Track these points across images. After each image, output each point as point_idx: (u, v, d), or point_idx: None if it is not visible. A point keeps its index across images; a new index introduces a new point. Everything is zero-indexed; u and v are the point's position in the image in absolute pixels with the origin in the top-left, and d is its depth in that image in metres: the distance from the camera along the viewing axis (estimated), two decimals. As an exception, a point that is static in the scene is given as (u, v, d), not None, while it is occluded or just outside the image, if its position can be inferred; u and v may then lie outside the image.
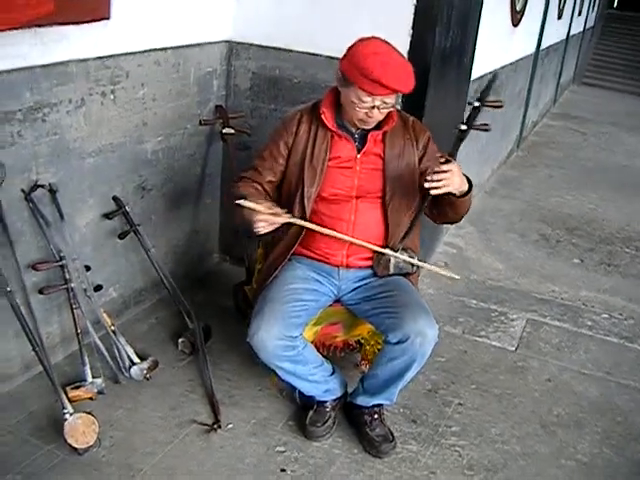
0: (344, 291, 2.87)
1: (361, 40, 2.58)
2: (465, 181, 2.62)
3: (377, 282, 2.83)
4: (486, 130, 2.64)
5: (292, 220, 2.65)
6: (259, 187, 2.82)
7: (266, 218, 2.54)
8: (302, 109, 2.86)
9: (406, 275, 2.87)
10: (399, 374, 2.71)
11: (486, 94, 2.45)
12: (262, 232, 2.57)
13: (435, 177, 2.50)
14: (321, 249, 2.82)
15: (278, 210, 2.58)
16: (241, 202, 2.52)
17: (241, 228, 2.68)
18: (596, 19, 14.94)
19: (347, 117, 2.72)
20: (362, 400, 2.90)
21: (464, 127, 2.47)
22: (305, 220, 2.73)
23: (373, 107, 2.58)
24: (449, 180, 2.50)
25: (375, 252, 2.79)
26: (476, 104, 2.45)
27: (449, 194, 2.58)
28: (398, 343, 2.62)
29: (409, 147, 2.80)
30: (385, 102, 2.57)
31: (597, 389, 3.47)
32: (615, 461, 2.98)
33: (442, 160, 2.52)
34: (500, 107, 2.64)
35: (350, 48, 2.59)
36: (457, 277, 2.91)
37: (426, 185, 2.53)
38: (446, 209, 2.76)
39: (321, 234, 2.74)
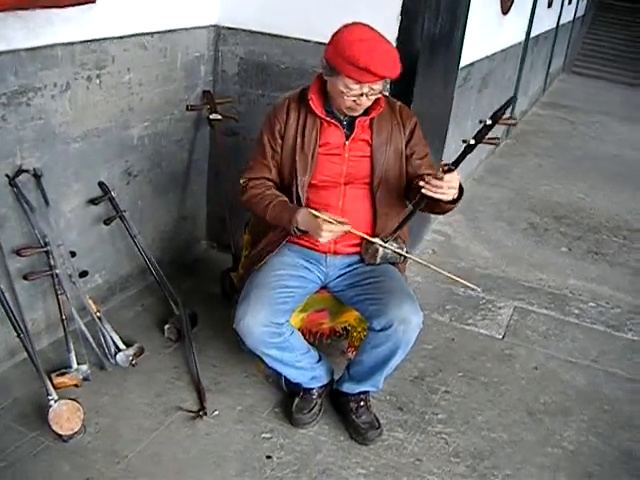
0: (331, 277, 2.86)
1: (345, 26, 2.55)
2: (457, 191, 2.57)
3: (363, 269, 2.82)
4: (496, 144, 2.59)
5: (353, 230, 2.63)
6: (273, 185, 2.82)
7: (332, 228, 2.53)
8: (290, 96, 2.84)
9: (393, 263, 2.86)
10: (384, 361, 2.71)
11: (501, 114, 2.39)
12: (325, 241, 2.60)
13: (434, 182, 2.46)
14: (310, 236, 2.81)
15: (341, 219, 2.57)
16: (313, 212, 2.55)
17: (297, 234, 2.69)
18: (586, 8, 14.95)
19: (335, 105, 2.70)
20: (348, 387, 2.89)
21: (473, 142, 2.42)
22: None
23: (361, 94, 2.56)
24: (446, 191, 2.47)
25: (365, 240, 2.76)
26: (489, 122, 2.39)
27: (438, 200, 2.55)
28: (382, 330, 2.61)
29: (396, 133, 2.79)
30: (372, 89, 2.55)
31: (584, 377, 3.48)
32: (601, 449, 2.99)
33: (445, 169, 2.47)
34: (514, 124, 2.59)
35: (334, 35, 2.56)
36: (477, 287, 2.81)
37: (420, 183, 2.50)
38: (429, 206, 2.69)
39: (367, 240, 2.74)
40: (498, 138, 2.58)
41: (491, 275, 4.48)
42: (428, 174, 2.54)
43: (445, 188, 2.46)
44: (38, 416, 2.73)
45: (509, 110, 7.63)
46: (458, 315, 3.91)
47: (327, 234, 2.53)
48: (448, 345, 3.61)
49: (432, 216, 4.87)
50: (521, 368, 3.49)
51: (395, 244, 2.77)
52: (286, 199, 2.74)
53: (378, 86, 2.57)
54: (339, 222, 2.54)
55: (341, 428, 2.91)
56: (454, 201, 2.60)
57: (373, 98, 2.63)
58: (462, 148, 2.40)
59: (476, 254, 4.78)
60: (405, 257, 2.82)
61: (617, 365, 3.62)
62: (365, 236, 2.73)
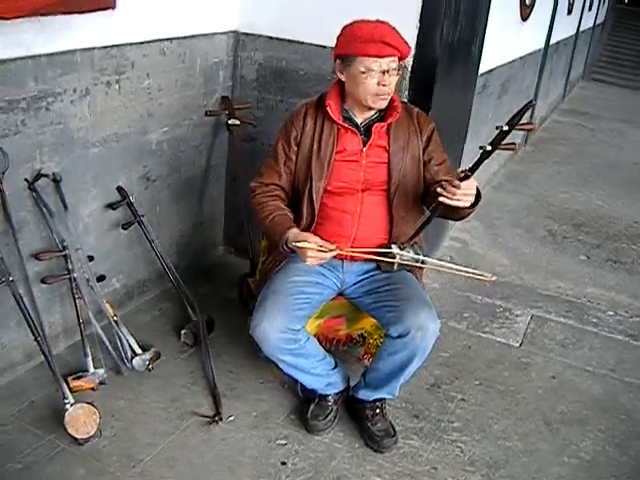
0: (347, 284, 2.86)
1: (344, 26, 2.63)
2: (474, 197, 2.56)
3: (380, 276, 2.82)
4: (513, 150, 2.59)
5: (342, 251, 2.62)
6: (282, 194, 2.83)
7: (316, 254, 2.52)
8: (307, 103, 2.85)
9: (410, 270, 2.85)
10: (400, 368, 2.70)
11: (518, 120, 2.39)
12: (312, 264, 2.58)
13: (450, 189, 2.45)
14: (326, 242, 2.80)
15: (329, 246, 2.54)
16: (296, 244, 2.53)
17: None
18: (606, 15, 14.87)
19: (358, 101, 2.69)
20: (364, 394, 2.88)
21: (489, 148, 2.42)
22: (309, 220, 2.76)
23: (383, 72, 2.57)
24: (463, 197, 2.46)
25: (380, 254, 2.75)
26: (505, 128, 2.39)
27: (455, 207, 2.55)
28: (399, 337, 2.60)
29: (413, 139, 2.79)
30: (392, 67, 2.57)
31: (601, 387, 3.45)
32: (618, 459, 2.96)
33: (462, 175, 2.46)
34: (531, 130, 2.58)
35: (339, 35, 2.63)
36: (491, 278, 2.76)
37: (438, 190, 2.49)
38: (446, 212, 2.69)
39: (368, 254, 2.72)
40: (514, 144, 2.55)
41: (509, 283, 4.46)
42: (445, 180, 2.53)
43: (461, 195, 2.45)
44: (54, 419, 2.74)
45: (528, 115, 7.61)
46: (475, 323, 3.89)
47: (311, 261, 2.53)
48: (465, 353, 3.59)
49: (450, 223, 4.85)
50: (538, 377, 3.47)
51: (412, 250, 2.76)
52: (286, 214, 2.74)
53: (396, 64, 2.59)
54: (329, 249, 2.52)
55: (356, 435, 2.90)
56: (471, 206, 2.58)
57: (395, 81, 2.63)
58: (479, 154, 2.39)
59: (494, 261, 4.76)
60: (423, 262, 2.80)
61: (635, 374, 3.59)
62: (380, 258, 2.71)
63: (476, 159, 2.43)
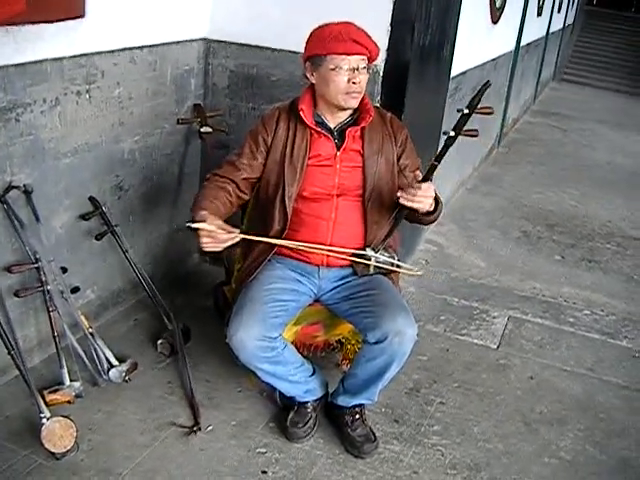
0: (324, 290, 2.85)
1: (313, 29, 2.68)
2: (433, 204, 2.62)
3: (357, 281, 2.81)
4: (474, 136, 2.62)
5: (245, 236, 2.60)
6: (230, 187, 2.76)
7: (210, 234, 2.43)
8: (280, 107, 2.85)
9: (386, 274, 2.85)
10: (379, 374, 2.69)
11: (477, 101, 2.42)
12: (207, 250, 2.48)
13: (409, 191, 2.52)
14: (301, 249, 2.80)
15: (229, 228, 2.48)
16: (189, 224, 2.45)
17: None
18: (575, 16, 15.01)
19: (329, 102, 2.70)
20: (343, 400, 2.87)
21: (452, 133, 2.44)
22: (281, 226, 2.75)
23: (353, 70, 2.59)
24: (421, 200, 2.52)
25: (355, 255, 2.76)
26: (465, 111, 2.42)
27: (415, 210, 2.60)
28: (377, 343, 2.59)
29: (387, 143, 2.80)
30: (361, 66, 2.61)
31: (579, 386, 3.47)
32: (598, 458, 2.98)
33: (420, 178, 2.54)
34: (490, 114, 2.63)
35: (308, 38, 2.68)
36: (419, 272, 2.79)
37: (398, 194, 2.55)
38: (411, 217, 2.78)
39: (282, 246, 2.73)
40: (477, 130, 2.60)
41: (485, 284, 4.47)
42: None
43: (421, 196, 2.50)
44: (30, 434, 2.70)
45: (500, 113, 7.65)
46: (452, 325, 3.90)
47: (205, 242, 2.44)
48: (443, 356, 3.59)
49: (425, 226, 4.86)
50: (516, 378, 3.48)
51: (386, 253, 2.77)
52: (212, 200, 2.67)
53: (365, 64, 2.63)
54: (227, 231, 2.46)
55: (336, 442, 2.89)
56: (432, 212, 2.64)
57: (365, 79, 2.65)
58: (443, 141, 2.42)
59: (469, 264, 4.77)
60: (398, 266, 2.81)
61: (612, 373, 3.61)
62: (355, 252, 2.72)
63: (441, 147, 2.45)
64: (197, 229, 2.43)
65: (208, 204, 2.63)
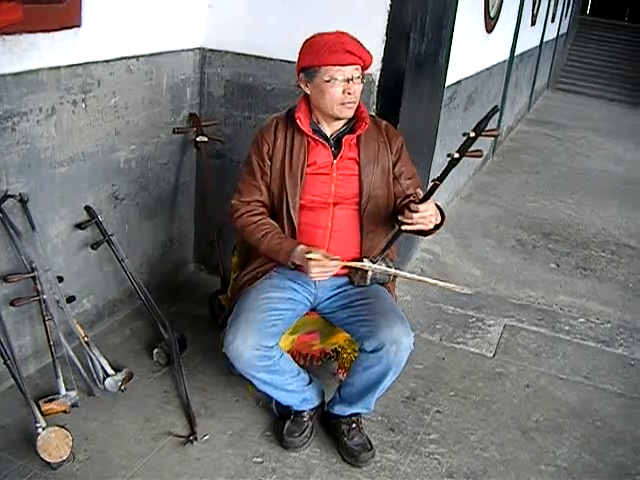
0: (320, 299, 2.85)
1: (306, 40, 2.68)
2: (439, 216, 2.62)
3: (353, 290, 2.81)
4: (479, 157, 2.62)
5: (345, 263, 2.66)
6: (265, 210, 2.83)
7: (321, 264, 2.54)
8: (277, 117, 2.86)
9: (383, 283, 2.85)
10: (375, 382, 2.69)
11: (484, 125, 2.40)
12: (317, 279, 2.61)
13: (408, 215, 2.50)
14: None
15: (332, 256, 2.57)
16: (310, 256, 2.54)
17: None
18: (569, 25, 15.08)
19: (324, 113, 2.71)
20: (339, 409, 2.87)
21: (457, 155, 2.44)
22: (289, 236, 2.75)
23: (348, 80, 2.60)
24: (423, 220, 2.51)
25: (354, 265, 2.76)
26: (472, 134, 2.41)
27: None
28: (373, 351, 2.60)
29: (383, 151, 2.81)
30: (355, 76, 2.62)
31: (576, 394, 3.47)
32: (595, 465, 2.98)
33: (419, 199, 2.52)
34: (496, 136, 2.62)
35: (301, 49, 2.68)
36: (469, 292, 2.81)
37: (400, 218, 2.55)
38: (415, 232, 2.74)
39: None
40: (480, 151, 2.59)
41: (480, 293, 4.48)
42: (408, 205, 2.55)
43: (419, 218, 2.49)
44: (26, 444, 2.69)
45: (495, 122, 7.67)
46: (448, 334, 3.90)
47: (316, 274, 2.55)
48: (439, 364, 3.59)
49: (426, 237, 4.86)
50: (512, 386, 3.48)
51: (384, 264, 2.77)
52: (280, 231, 2.75)
53: (359, 73, 2.64)
54: (331, 259, 2.55)
55: (333, 450, 2.88)
56: (437, 227, 2.64)
57: (359, 89, 2.66)
58: (447, 162, 2.42)
59: (465, 272, 4.78)
60: (396, 276, 2.81)
61: (608, 381, 3.62)
62: (355, 264, 2.72)
63: (444, 167, 2.45)
64: (303, 260, 2.57)
65: (287, 238, 2.73)
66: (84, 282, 3.35)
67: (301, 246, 2.63)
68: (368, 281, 2.78)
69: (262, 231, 2.74)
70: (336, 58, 2.56)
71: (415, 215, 2.48)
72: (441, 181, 2.46)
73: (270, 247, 2.72)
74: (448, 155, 2.43)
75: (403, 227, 2.54)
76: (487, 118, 2.36)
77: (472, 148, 2.40)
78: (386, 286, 2.87)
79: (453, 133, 5.20)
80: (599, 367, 3.75)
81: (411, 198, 2.71)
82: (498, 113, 7.68)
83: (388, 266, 2.77)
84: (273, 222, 2.79)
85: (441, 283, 2.66)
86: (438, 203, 2.62)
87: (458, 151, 2.42)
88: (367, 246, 2.79)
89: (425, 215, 2.50)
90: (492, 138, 7.64)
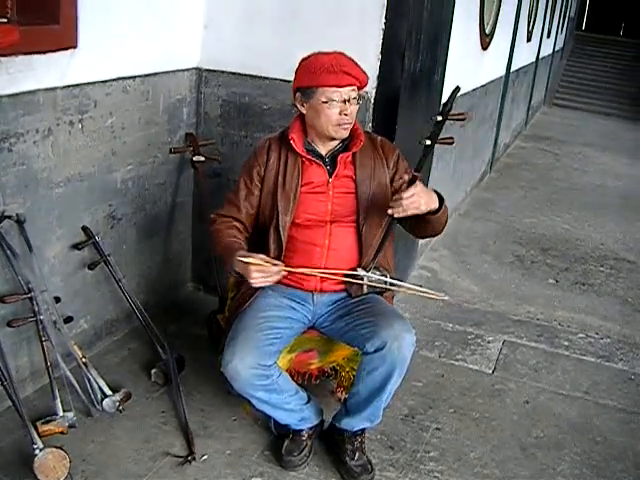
0: (318, 315, 2.84)
1: (303, 59, 2.69)
2: (434, 198, 2.60)
3: (350, 301, 2.81)
4: (450, 144, 2.64)
5: (289, 269, 2.62)
6: (239, 225, 2.82)
7: (262, 269, 2.50)
8: (271, 137, 2.88)
9: (381, 293, 2.85)
10: (381, 386, 2.64)
11: (449, 107, 2.45)
12: (258, 285, 2.55)
13: (395, 203, 2.52)
14: (295, 275, 2.80)
15: (274, 261, 2.54)
16: (240, 258, 2.51)
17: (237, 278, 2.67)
18: (565, 41, 15.15)
19: (320, 133, 2.73)
20: (347, 424, 2.83)
21: (428, 142, 2.46)
22: (276, 254, 2.76)
23: (344, 102, 2.61)
24: (413, 203, 2.51)
25: (349, 276, 2.76)
26: (439, 118, 2.44)
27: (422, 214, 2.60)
28: (376, 351, 2.57)
29: (379, 166, 2.81)
30: (352, 97, 2.63)
31: (576, 409, 3.46)
32: (595, 482, 2.97)
33: (405, 180, 2.55)
34: (463, 120, 2.66)
35: (297, 68, 2.69)
36: (444, 297, 2.80)
37: (389, 212, 2.55)
38: (421, 225, 2.75)
39: (323, 275, 2.73)
40: (452, 138, 2.63)
41: (479, 309, 4.47)
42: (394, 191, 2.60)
43: (408, 203, 2.49)
44: (23, 465, 2.68)
45: (492, 138, 7.69)
46: (447, 351, 3.89)
47: (256, 279, 2.51)
48: (438, 382, 3.58)
49: (417, 251, 4.86)
50: (512, 402, 3.47)
51: (378, 272, 2.77)
52: (237, 240, 2.73)
53: (356, 94, 2.65)
54: (273, 264, 2.52)
55: (332, 469, 2.87)
56: (436, 211, 2.62)
57: (355, 110, 2.68)
58: (421, 151, 2.44)
59: (463, 289, 4.77)
60: (391, 283, 2.80)
61: (608, 396, 3.60)
62: (346, 272, 2.72)
63: (420, 157, 2.47)
64: (243, 267, 2.50)
65: (236, 244, 2.69)
66: (81, 302, 3.35)
67: (240, 251, 2.59)
68: (365, 289, 2.78)
69: (220, 236, 2.76)
70: (334, 79, 2.57)
71: (404, 201, 2.49)
72: (419, 171, 2.48)
73: (221, 252, 2.73)
74: (420, 142, 2.46)
75: (395, 214, 2.54)
76: (451, 100, 2.41)
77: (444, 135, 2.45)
78: (384, 296, 2.86)
79: (450, 150, 5.21)
80: (599, 382, 3.74)
81: (395, 184, 2.77)
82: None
83: (383, 274, 2.77)
84: (237, 233, 2.79)
85: (418, 289, 2.69)
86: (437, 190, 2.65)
87: (429, 137, 2.45)
88: (366, 262, 2.79)
89: (414, 199, 2.50)
90: (489, 154, 7.66)
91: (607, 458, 3.12)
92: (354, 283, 2.76)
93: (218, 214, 2.87)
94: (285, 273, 2.58)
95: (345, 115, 2.63)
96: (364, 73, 2.66)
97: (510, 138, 9.58)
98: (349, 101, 2.62)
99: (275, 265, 2.52)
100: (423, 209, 2.55)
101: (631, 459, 3.13)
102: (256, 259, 2.50)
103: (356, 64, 2.64)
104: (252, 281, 2.51)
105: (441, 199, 2.64)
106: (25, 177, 2.86)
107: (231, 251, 2.62)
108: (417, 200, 2.51)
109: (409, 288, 2.81)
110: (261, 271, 2.49)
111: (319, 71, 2.58)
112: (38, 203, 2.96)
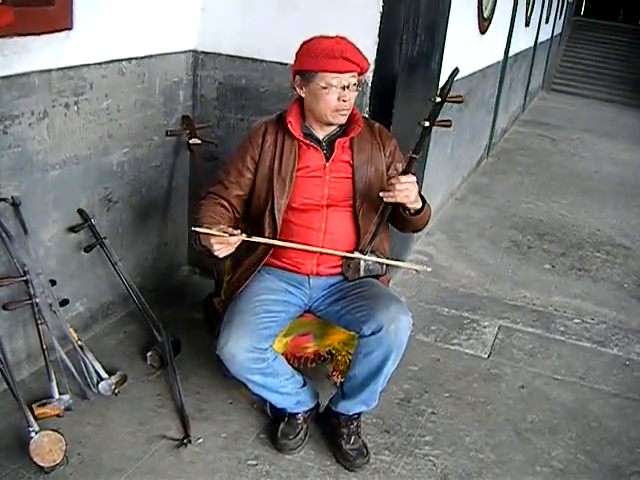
0: (314, 299, 2.85)
1: (304, 42, 2.66)
2: (419, 200, 2.63)
3: (346, 284, 2.81)
4: (448, 126, 2.64)
5: (248, 239, 2.58)
6: (225, 203, 2.80)
7: (221, 240, 2.47)
8: (267, 121, 2.86)
9: (377, 277, 2.85)
10: (377, 369, 2.64)
11: (447, 89, 2.45)
12: (222, 255, 2.50)
13: (389, 187, 2.55)
14: (291, 259, 2.80)
15: (232, 231, 2.49)
16: (194, 229, 2.50)
17: (203, 252, 2.63)
18: (563, 26, 15.11)
19: (317, 117, 2.72)
20: (343, 407, 2.84)
21: (427, 124, 2.47)
22: (271, 236, 2.74)
23: (344, 88, 2.60)
24: (405, 191, 2.53)
25: (344, 257, 2.77)
26: (437, 100, 2.45)
27: (403, 209, 2.64)
28: (372, 334, 2.57)
29: (377, 152, 2.81)
30: (352, 83, 2.62)
31: (571, 394, 3.47)
32: (590, 466, 2.97)
33: (400, 170, 2.58)
34: (461, 102, 2.67)
35: (298, 50, 2.67)
36: (427, 268, 2.82)
37: (380, 194, 2.57)
38: (403, 223, 2.80)
39: (281, 247, 2.72)
40: (450, 120, 2.64)
41: (475, 294, 4.48)
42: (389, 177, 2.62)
43: (400, 189, 2.52)
44: (19, 448, 2.67)
45: (489, 129, 7.68)
46: (443, 335, 3.89)
47: (218, 249, 2.47)
48: (433, 366, 3.58)
49: (414, 236, 4.86)
50: (507, 387, 3.48)
51: (374, 255, 2.77)
52: (212, 216, 2.69)
53: (355, 80, 2.64)
54: (230, 234, 2.47)
55: (327, 453, 2.87)
56: (419, 211, 2.65)
57: (354, 96, 2.67)
58: (419, 133, 2.44)
59: (459, 273, 4.78)
60: (387, 265, 2.81)
61: (603, 381, 3.62)
62: (344, 254, 2.75)
63: (418, 138, 2.47)
64: (205, 238, 2.49)
65: (209, 219, 2.65)
66: (77, 285, 3.34)
67: (205, 224, 2.56)
68: (362, 272, 2.78)
69: (200, 212, 2.73)
70: (334, 65, 2.56)
71: (397, 187, 2.51)
72: (416, 153, 2.50)
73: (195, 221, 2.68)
74: (419, 124, 2.47)
75: (385, 199, 2.57)
76: (449, 82, 2.42)
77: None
78: (381, 281, 2.86)
79: (447, 134, 5.20)
80: (594, 368, 3.75)
81: (390, 173, 2.77)
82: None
83: (378, 257, 2.77)
84: (218, 209, 2.76)
85: (401, 264, 2.85)
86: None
87: (427, 119, 2.45)
88: (363, 246, 2.78)
89: (406, 186, 2.52)
90: (486, 139, 7.65)
91: (601, 443, 3.13)
92: (351, 259, 2.77)
93: (209, 192, 2.86)
94: (243, 237, 2.52)
95: (344, 101, 2.62)
96: (365, 60, 2.64)
97: (508, 123, 9.57)
98: (348, 87, 2.61)
99: (232, 235, 2.47)
100: (411, 200, 2.57)
101: (625, 444, 3.14)
102: (213, 230, 2.46)
103: (358, 50, 2.62)
104: (215, 253, 2.48)
105: (424, 202, 2.67)
106: (20, 160, 2.85)
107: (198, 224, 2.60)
108: (409, 190, 2.53)
109: (388, 264, 2.82)
110: (220, 242, 2.47)
111: (320, 56, 2.56)
112: (33, 186, 2.95)
